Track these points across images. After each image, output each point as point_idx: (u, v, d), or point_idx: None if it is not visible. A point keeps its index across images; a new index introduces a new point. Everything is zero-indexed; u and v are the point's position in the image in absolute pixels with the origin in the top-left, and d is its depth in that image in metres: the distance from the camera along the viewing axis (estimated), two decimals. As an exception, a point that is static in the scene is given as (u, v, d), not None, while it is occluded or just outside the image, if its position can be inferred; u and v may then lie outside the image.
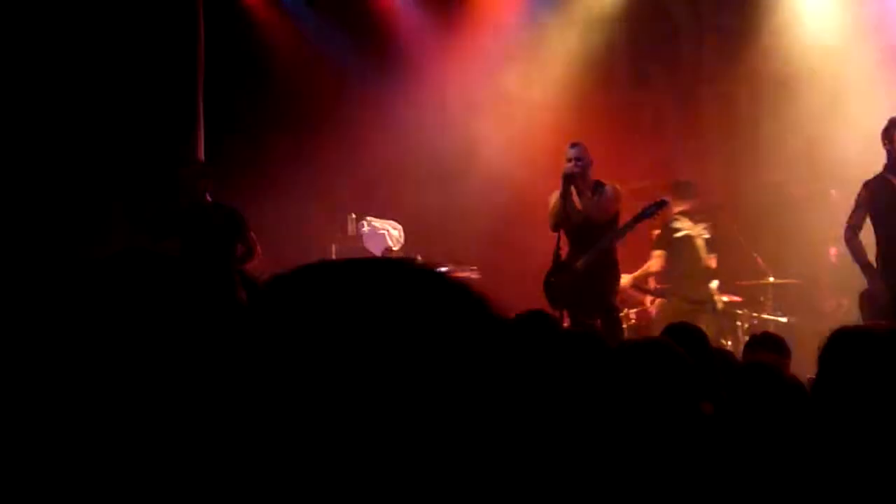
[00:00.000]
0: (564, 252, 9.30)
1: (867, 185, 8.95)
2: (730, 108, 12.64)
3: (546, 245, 9.44)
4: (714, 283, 10.77)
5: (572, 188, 9.20)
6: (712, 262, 10.93)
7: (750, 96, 12.54)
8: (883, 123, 8.92)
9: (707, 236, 10.81)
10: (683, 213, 10.95)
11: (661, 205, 9.31)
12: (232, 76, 12.11)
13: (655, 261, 10.99)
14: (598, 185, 9.31)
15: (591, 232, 9.19)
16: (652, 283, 11.15)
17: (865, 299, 8.79)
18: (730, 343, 10.31)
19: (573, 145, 9.41)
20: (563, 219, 9.22)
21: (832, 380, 3.72)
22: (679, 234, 10.96)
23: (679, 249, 10.94)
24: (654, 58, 12.80)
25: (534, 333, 5.42)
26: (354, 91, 12.39)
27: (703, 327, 6.86)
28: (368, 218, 12.34)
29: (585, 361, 4.17)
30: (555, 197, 9.33)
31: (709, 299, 10.62)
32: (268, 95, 12.37)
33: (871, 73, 11.50)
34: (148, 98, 11.45)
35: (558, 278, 9.17)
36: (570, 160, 9.29)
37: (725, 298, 10.83)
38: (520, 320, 5.70)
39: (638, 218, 9.31)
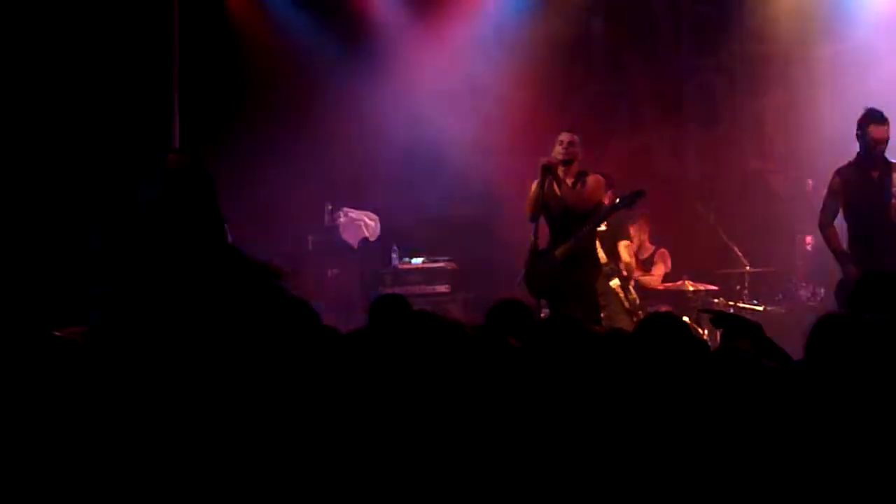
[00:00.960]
0: (543, 241, 9.26)
1: (839, 172, 8.99)
2: (707, 98, 12.63)
3: (522, 234, 9.41)
4: (614, 282, 10.64)
5: (550, 177, 9.16)
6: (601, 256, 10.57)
7: (727, 85, 12.53)
8: (859, 112, 8.93)
9: (602, 228, 10.43)
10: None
11: (638, 195, 9.23)
12: (207, 67, 12.04)
13: (623, 251, 10.91)
14: (581, 174, 9.26)
15: (570, 221, 9.15)
16: None
17: (841, 287, 8.81)
18: (706, 332, 10.30)
19: (567, 131, 9.32)
20: (542, 207, 9.19)
21: (819, 365, 3.71)
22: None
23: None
24: (631, 47, 12.77)
25: (509, 323, 5.41)
26: (329, 81, 12.33)
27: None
28: (345, 209, 12.31)
29: (563, 348, 4.16)
30: (535, 186, 9.29)
31: (613, 294, 10.52)
32: (243, 86, 12.31)
33: (853, 57, 11.51)
34: (122, 89, 11.38)
35: (537, 268, 9.15)
36: (561, 143, 9.22)
37: (701, 287, 10.82)
38: (495, 310, 5.70)
39: (614, 207, 9.28)
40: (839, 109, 10.33)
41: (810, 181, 11.46)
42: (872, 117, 8.84)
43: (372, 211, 12.41)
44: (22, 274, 10.11)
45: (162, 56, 11.63)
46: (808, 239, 11.24)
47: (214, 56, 12.17)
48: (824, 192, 9.24)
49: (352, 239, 12.22)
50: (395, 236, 12.27)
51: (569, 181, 9.20)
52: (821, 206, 9.13)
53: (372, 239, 12.31)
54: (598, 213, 9.25)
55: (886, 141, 8.81)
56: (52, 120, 11.00)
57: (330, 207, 12.34)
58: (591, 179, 9.25)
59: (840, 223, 9.07)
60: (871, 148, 8.80)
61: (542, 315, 9.14)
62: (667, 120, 12.67)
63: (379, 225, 12.35)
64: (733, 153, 12.39)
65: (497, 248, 11.58)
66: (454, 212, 12.15)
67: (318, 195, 12.31)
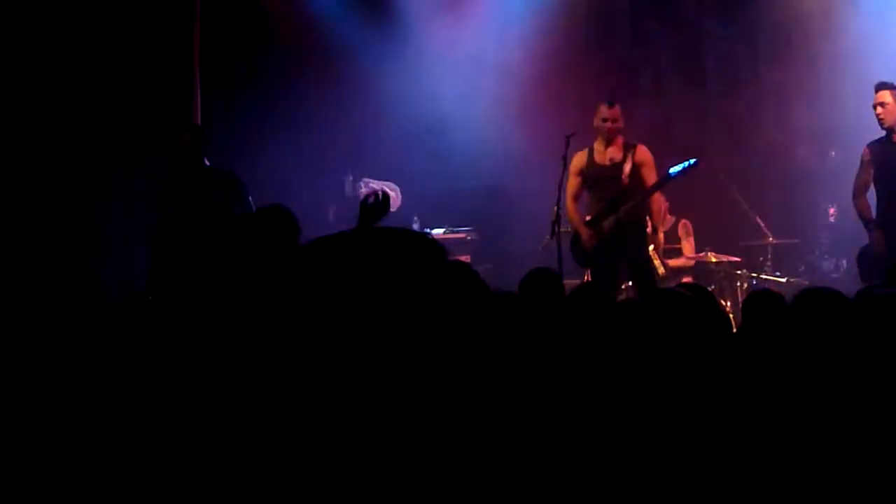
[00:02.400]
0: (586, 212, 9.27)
1: (869, 145, 9.06)
2: (729, 68, 12.57)
3: (543, 204, 9.41)
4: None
5: (597, 147, 9.16)
6: None
7: (750, 56, 12.47)
8: (885, 78, 9.02)
9: None
10: None
11: (694, 165, 9.12)
12: (228, 40, 12.03)
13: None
14: (628, 146, 9.22)
15: (618, 194, 9.12)
16: None
17: (863, 255, 8.86)
18: (729, 304, 10.29)
19: (611, 104, 9.28)
20: (590, 179, 9.20)
21: (793, 338, 3.71)
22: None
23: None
24: (653, 16, 12.71)
25: (540, 291, 5.41)
26: (350, 53, 12.29)
27: None
28: (365, 179, 12.30)
29: (593, 316, 4.16)
30: (580, 157, 9.27)
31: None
32: (264, 58, 12.30)
33: (875, 29, 11.43)
34: (144, 63, 11.37)
35: (582, 238, 9.17)
36: (605, 120, 9.19)
37: (724, 259, 10.79)
38: (528, 280, 5.69)
39: (668, 178, 9.19)
40: (861, 81, 10.28)
41: (833, 152, 11.43)
42: (875, 86, 9.01)
43: (392, 181, 12.39)
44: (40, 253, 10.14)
45: (183, 29, 11.61)
46: (832, 210, 11.20)
47: (235, 29, 12.16)
48: (847, 162, 9.31)
49: (373, 210, 12.19)
50: (416, 207, 12.25)
51: (616, 154, 9.17)
52: (852, 177, 9.20)
53: (393, 209, 12.28)
54: (647, 186, 9.18)
55: (882, 105, 8.90)
56: (74, 96, 11.01)
57: (350, 178, 12.34)
58: (640, 151, 9.21)
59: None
60: (877, 117, 8.91)
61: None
62: (688, 90, 12.62)
63: (399, 195, 12.33)
64: (755, 124, 12.35)
65: (518, 218, 11.58)
66: (475, 182, 12.14)
67: (338, 166, 12.31)
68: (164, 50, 11.49)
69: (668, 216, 11.18)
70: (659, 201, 9.56)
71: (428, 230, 12.13)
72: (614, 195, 9.14)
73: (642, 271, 9.18)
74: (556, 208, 9.11)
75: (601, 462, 3.11)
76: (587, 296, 4.82)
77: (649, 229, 9.47)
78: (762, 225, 11.07)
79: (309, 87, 12.20)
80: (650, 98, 12.64)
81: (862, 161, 9.11)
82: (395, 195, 12.33)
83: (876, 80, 9.09)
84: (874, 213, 8.99)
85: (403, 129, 12.23)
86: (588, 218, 9.29)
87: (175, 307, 2.66)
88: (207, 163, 9.35)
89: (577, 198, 9.37)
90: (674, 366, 3.68)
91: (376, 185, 12.31)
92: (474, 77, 12.26)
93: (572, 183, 9.33)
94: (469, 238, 11.95)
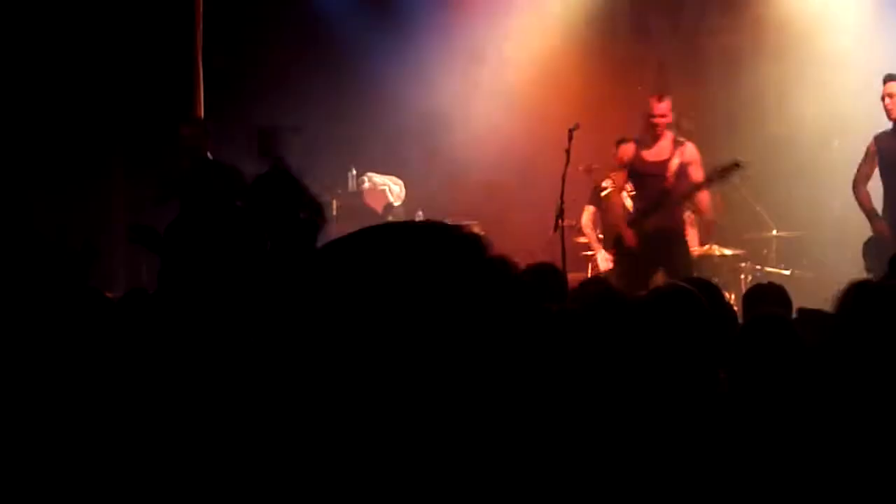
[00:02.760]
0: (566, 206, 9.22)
1: (876, 137, 9.05)
2: (733, 60, 12.55)
3: (548, 197, 9.39)
4: None
5: (645, 140, 9.06)
6: None
7: (753, 47, 12.44)
8: (886, 69, 9.03)
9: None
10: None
11: (735, 167, 9.02)
12: (230, 32, 12.02)
13: (584, 215, 10.94)
14: (678, 143, 9.08)
15: (661, 189, 9.02)
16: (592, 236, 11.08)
17: (869, 245, 8.85)
18: (732, 296, 10.27)
19: (660, 98, 9.09)
20: (634, 173, 9.09)
21: (850, 333, 3.70)
22: (605, 193, 10.90)
23: (605, 206, 10.87)
24: (655, 9, 12.70)
25: (545, 285, 5.39)
26: (355, 48, 12.28)
27: None
28: (369, 174, 12.30)
29: (602, 312, 4.14)
30: (627, 149, 9.17)
31: None
32: (266, 52, 12.29)
33: (875, 19, 11.42)
34: (146, 55, 11.37)
35: (628, 239, 9.07)
36: (654, 115, 9.02)
37: (728, 252, 10.78)
38: (527, 273, 5.67)
39: (710, 179, 9.08)
40: (864, 72, 10.28)
41: (836, 142, 11.42)
42: (884, 78, 8.99)
43: (395, 175, 12.39)
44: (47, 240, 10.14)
45: (185, 21, 11.60)
46: (836, 202, 11.20)
47: (238, 20, 12.15)
48: (851, 153, 9.32)
49: (376, 204, 12.20)
50: (420, 202, 12.25)
51: (664, 150, 9.04)
52: (855, 167, 9.19)
53: (397, 204, 12.29)
54: (692, 186, 9.06)
55: (890, 96, 8.91)
56: (79, 87, 11.01)
57: (354, 172, 12.33)
58: (689, 149, 9.07)
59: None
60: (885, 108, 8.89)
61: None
62: (690, 84, 12.60)
63: (404, 189, 12.33)
64: (758, 116, 12.32)
65: (522, 211, 11.56)
66: (478, 176, 12.12)
67: (342, 160, 12.30)
68: (167, 43, 11.49)
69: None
70: (706, 196, 9.42)
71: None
72: (658, 193, 9.03)
73: (678, 269, 8.85)
74: (559, 202, 9.08)
75: (607, 455, 3.10)
76: (595, 291, 4.80)
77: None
78: (766, 217, 11.05)
79: (312, 80, 12.19)
80: (653, 92, 12.59)
81: (867, 152, 9.09)
82: (399, 189, 12.33)
83: (879, 74, 9.10)
84: (880, 204, 8.98)
85: (406, 123, 12.22)
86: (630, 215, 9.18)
87: (183, 301, 2.65)
88: (210, 156, 9.35)
89: (622, 190, 9.24)
90: (678, 362, 3.67)
91: (380, 179, 12.31)
92: (476, 71, 12.24)
93: (619, 175, 9.25)
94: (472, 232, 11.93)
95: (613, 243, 9.31)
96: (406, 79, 12.12)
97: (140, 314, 3.51)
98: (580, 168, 9.34)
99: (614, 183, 10.39)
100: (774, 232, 11.01)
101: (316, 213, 8.86)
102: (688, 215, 11.23)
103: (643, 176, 9.10)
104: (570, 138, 9.04)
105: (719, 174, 9.01)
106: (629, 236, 9.12)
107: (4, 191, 10.30)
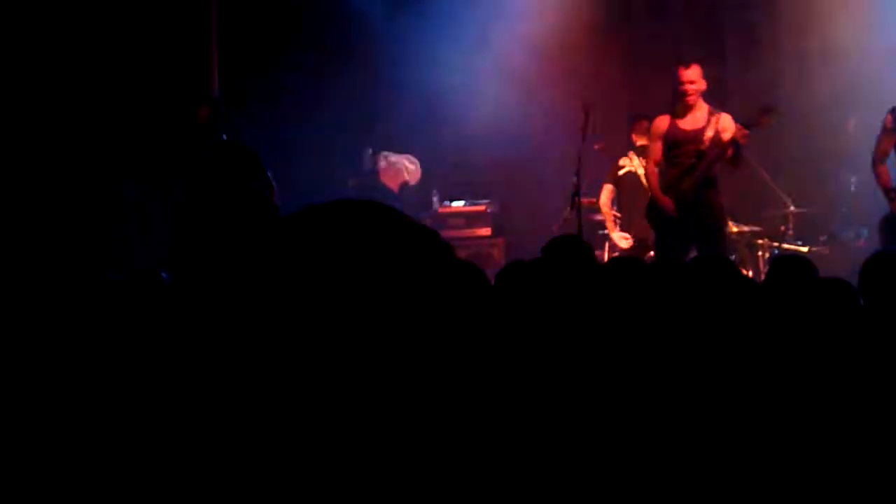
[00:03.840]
0: (647, 176, 9.21)
1: (893, 112, 8.93)
2: (750, 37, 12.48)
3: (563, 175, 9.37)
4: None
5: (679, 110, 8.92)
6: None
7: (770, 24, 12.37)
8: None
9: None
10: (639, 149, 10.66)
11: (772, 113, 8.83)
12: (246, 10, 12.01)
13: (602, 194, 10.87)
14: (713, 113, 8.92)
15: (695, 158, 8.90)
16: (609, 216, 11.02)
17: (885, 223, 8.77)
18: (750, 273, 10.25)
19: (686, 65, 8.92)
20: (669, 143, 8.97)
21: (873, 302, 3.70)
22: (622, 171, 10.85)
23: (623, 186, 10.82)
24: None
25: (570, 258, 5.35)
26: (366, 27, 12.25)
27: None
28: (385, 153, 12.28)
29: (628, 282, 4.13)
30: (662, 121, 9.07)
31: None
32: (281, 32, 12.27)
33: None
34: (163, 38, 11.37)
35: (668, 207, 8.97)
36: (682, 83, 8.88)
37: (746, 228, 10.75)
38: (551, 245, 5.61)
39: (749, 125, 8.77)
40: (882, 48, 10.23)
41: (852, 120, 11.36)
42: None
43: (411, 154, 12.37)
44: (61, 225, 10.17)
45: (201, 2, 11.61)
46: (853, 178, 11.15)
47: (253, 2, 12.15)
48: (867, 130, 9.23)
49: (392, 183, 12.19)
50: (435, 179, 12.24)
51: (699, 119, 8.93)
52: (873, 143, 9.10)
53: (413, 183, 12.28)
54: (726, 143, 8.81)
55: None
56: (92, 69, 11.01)
57: (369, 152, 12.32)
58: (725, 119, 8.88)
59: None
60: None
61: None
62: (708, 62, 12.52)
63: (419, 168, 12.31)
64: (775, 92, 12.25)
65: (537, 190, 11.55)
66: (494, 154, 12.08)
67: (357, 140, 12.29)
68: (183, 25, 11.49)
69: None
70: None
71: (448, 202, 12.12)
72: (692, 162, 8.89)
73: (712, 243, 8.74)
74: (575, 179, 9.05)
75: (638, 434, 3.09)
76: (621, 262, 4.76)
77: None
78: (782, 194, 11.02)
79: (326, 60, 12.18)
80: (669, 70, 12.53)
81: (883, 127, 8.96)
82: (414, 168, 12.31)
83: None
84: None
85: (421, 101, 12.17)
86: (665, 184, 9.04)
87: (194, 284, 2.64)
88: (224, 136, 9.37)
89: (658, 163, 9.12)
90: (712, 334, 3.66)
91: (395, 158, 12.30)
92: (492, 49, 12.19)
93: (654, 147, 9.11)
94: (488, 210, 11.92)
95: (647, 212, 9.16)
96: (421, 57, 12.08)
97: (148, 296, 3.50)
98: (595, 147, 9.28)
99: (640, 159, 10.34)
100: (792, 208, 10.98)
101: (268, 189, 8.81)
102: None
103: (677, 144, 8.94)
104: (587, 116, 9.01)
105: (756, 120, 8.82)
106: (668, 206, 8.95)
107: (19, 174, 10.33)
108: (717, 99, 12.22)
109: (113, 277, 4.57)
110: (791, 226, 10.97)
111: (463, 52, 12.14)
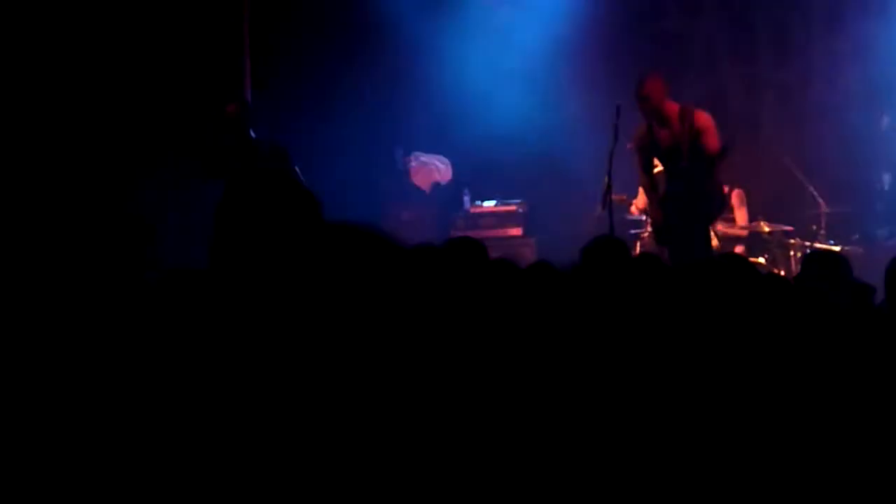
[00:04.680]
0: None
1: None
2: (782, 34, 12.43)
3: (594, 174, 9.36)
4: None
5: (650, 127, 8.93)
6: None
7: (803, 21, 12.32)
8: None
9: None
10: None
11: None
12: (278, 14, 12.04)
13: (640, 196, 10.82)
14: (684, 112, 8.79)
15: (680, 163, 8.89)
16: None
17: None
18: (783, 272, 10.22)
19: (639, 84, 8.83)
20: (652, 153, 9.02)
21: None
22: (656, 171, 10.81)
23: (657, 184, 10.77)
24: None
25: (606, 259, 5.33)
26: (398, 27, 12.24)
27: None
28: (416, 153, 12.30)
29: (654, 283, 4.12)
30: (640, 131, 9.05)
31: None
32: (314, 28, 12.28)
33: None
34: (195, 36, 11.41)
35: (655, 217, 9.02)
36: (638, 104, 8.86)
37: (777, 228, 10.71)
38: (591, 247, 5.58)
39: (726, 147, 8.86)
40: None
41: (886, 118, 11.31)
42: None
43: (442, 154, 12.38)
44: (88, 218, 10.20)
45: (233, 1, 11.64)
46: (886, 177, 11.10)
47: (285, 1, 12.17)
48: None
49: (423, 183, 12.21)
50: (467, 179, 12.24)
51: (672, 125, 8.87)
52: None
53: (443, 182, 12.29)
54: (709, 153, 8.84)
55: None
56: (124, 65, 11.05)
57: (401, 151, 12.33)
58: (698, 117, 8.74)
59: None
60: None
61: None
62: (740, 60, 12.49)
63: (450, 168, 12.32)
64: (809, 92, 12.21)
65: (568, 189, 11.52)
66: (525, 154, 12.06)
67: (389, 139, 12.30)
68: (215, 24, 11.52)
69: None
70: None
71: (479, 202, 12.10)
72: (679, 168, 8.89)
73: (690, 243, 8.78)
74: (606, 179, 9.01)
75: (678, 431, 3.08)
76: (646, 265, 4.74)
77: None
78: (815, 194, 10.98)
79: (358, 61, 12.20)
80: (701, 69, 12.51)
81: None
82: (445, 168, 12.32)
83: None
84: None
85: (453, 101, 12.17)
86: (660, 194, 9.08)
87: (236, 281, 2.64)
88: (254, 135, 9.40)
89: (646, 172, 9.14)
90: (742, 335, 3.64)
91: (426, 157, 12.31)
92: (523, 48, 12.17)
93: (636, 159, 9.15)
94: (520, 210, 11.91)
95: (652, 226, 9.27)
96: (453, 57, 12.08)
97: (181, 296, 3.50)
98: (628, 146, 9.25)
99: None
100: (824, 208, 10.93)
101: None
102: (737, 193, 11.15)
103: (660, 154, 9.00)
104: (618, 114, 8.96)
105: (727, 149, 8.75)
106: (655, 216, 9.13)
107: (55, 169, 10.38)
108: (749, 97, 12.27)
109: (149, 277, 4.59)
110: (823, 225, 10.92)
111: (493, 52, 12.14)
